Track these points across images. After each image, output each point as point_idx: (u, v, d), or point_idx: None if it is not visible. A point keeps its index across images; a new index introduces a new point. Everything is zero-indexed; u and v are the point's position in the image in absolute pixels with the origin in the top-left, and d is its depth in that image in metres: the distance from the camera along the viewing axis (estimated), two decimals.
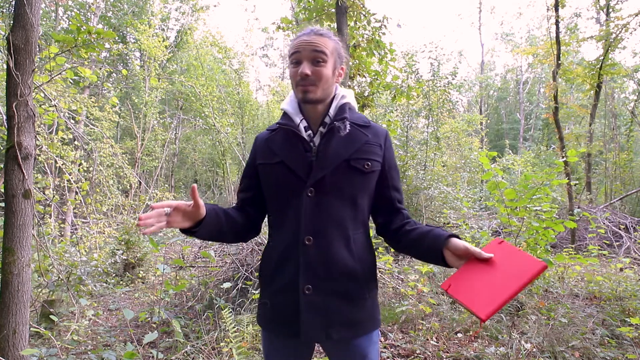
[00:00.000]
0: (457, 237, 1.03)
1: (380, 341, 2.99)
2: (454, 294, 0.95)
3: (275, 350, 1.15)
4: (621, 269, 4.36)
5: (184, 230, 1.05)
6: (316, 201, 1.07)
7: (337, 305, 1.07)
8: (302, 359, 1.17)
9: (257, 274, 1.20)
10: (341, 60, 1.15)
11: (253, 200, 1.20)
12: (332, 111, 1.13)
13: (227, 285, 3.11)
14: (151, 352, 2.80)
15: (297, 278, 1.06)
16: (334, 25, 4.25)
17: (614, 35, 8.36)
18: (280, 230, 1.12)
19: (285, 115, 1.16)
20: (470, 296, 0.92)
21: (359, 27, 4.29)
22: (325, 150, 1.08)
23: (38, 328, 2.60)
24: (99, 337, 3.21)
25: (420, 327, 3.08)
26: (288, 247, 1.08)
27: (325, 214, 1.07)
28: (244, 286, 3.62)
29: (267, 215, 1.22)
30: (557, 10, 7.45)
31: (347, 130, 1.10)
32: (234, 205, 1.25)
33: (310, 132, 1.12)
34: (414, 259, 4.74)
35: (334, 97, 1.15)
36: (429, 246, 1.05)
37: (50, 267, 3.61)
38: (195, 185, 0.99)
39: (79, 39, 2.36)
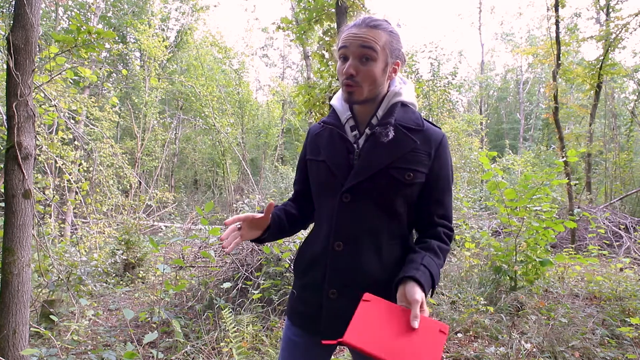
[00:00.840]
0: (417, 280, 0.92)
1: None
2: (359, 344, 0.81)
3: (293, 340, 1.15)
4: (621, 269, 4.36)
5: (252, 239, 1.10)
6: (351, 207, 1.02)
7: None
8: (322, 356, 1.17)
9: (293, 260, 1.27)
10: (396, 54, 1.03)
11: (305, 193, 1.20)
12: (380, 111, 1.05)
13: (227, 285, 3.11)
14: (151, 352, 2.80)
15: (323, 281, 1.06)
16: (334, 25, 4.25)
17: (614, 35, 8.36)
18: (317, 229, 1.13)
19: (333, 112, 1.12)
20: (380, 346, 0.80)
21: None
22: (367, 155, 1.02)
23: (38, 328, 2.60)
24: (99, 337, 3.21)
25: None
26: (318, 249, 1.09)
27: (358, 220, 1.03)
28: (244, 286, 3.62)
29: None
30: (557, 10, 7.45)
31: (390, 137, 1.00)
32: (290, 197, 1.28)
33: (356, 132, 1.06)
34: None
35: (385, 94, 1.07)
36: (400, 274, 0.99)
37: (50, 267, 3.61)
38: (272, 202, 1.04)
39: (79, 39, 2.36)
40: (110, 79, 14.90)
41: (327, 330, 1.04)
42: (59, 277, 3.58)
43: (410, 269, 0.94)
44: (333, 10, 4.18)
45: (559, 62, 7.61)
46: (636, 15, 8.09)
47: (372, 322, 0.85)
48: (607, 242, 6.35)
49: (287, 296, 1.19)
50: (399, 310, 0.88)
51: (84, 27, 2.34)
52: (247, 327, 2.88)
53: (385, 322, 0.85)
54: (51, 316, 3.06)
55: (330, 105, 1.15)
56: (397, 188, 1.01)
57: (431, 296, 1.12)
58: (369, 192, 1.01)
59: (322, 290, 1.06)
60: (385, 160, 1.00)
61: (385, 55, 1.00)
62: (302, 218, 1.22)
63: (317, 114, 4.12)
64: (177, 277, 4.35)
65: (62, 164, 4.88)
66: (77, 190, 4.93)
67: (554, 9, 7.49)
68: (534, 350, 2.62)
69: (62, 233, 6.63)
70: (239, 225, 1.03)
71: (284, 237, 1.22)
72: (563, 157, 4.42)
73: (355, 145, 1.05)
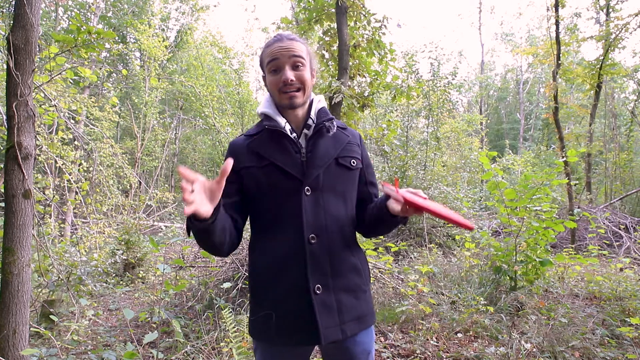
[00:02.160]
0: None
1: (380, 341, 2.99)
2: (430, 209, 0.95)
3: None
4: (621, 269, 4.36)
5: (199, 221, 0.91)
6: (314, 199, 1.07)
7: (347, 301, 1.08)
8: None
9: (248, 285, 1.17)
10: (314, 62, 1.17)
11: (236, 206, 1.11)
12: (313, 114, 1.15)
13: (227, 285, 3.11)
14: (151, 352, 2.80)
15: (306, 278, 1.04)
16: (334, 25, 4.25)
17: (614, 35, 8.35)
18: (276, 232, 1.09)
19: (267, 117, 1.14)
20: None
21: (359, 27, 4.28)
22: (316, 150, 1.11)
23: (38, 328, 2.59)
24: (99, 337, 3.21)
25: (420, 327, 3.08)
26: (290, 248, 1.06)
27: (323, 211, 1.08)
28: (244, 286, 3.62)
29: (251, 221, 1.17)
30: (557, 10, 7.45)
31: (334, 130, 1.15)
32: None
33: (294, 134, 1.13)
34: (384, 237, 4.72)
35: (312, 101, 1.18)
36: (378, 205, 1.11)
37: (50, 267, 3.61)
38: (229, 163, 0.91)
39: (79, 39, 2.36)
40: (110, 79, 14.90)
41: (325, 328, 1.03)
42: (59, 277, 3.58)
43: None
44: (333, 10, 4.17)
45: (559, 62, 7.61)
46: (636, 15, 8.09)
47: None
48: (607, 242, 6.35)
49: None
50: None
51: (84, 27, 2.34)
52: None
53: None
54: (51, 316, 3.06)
55: (263, 114, 1.15)
56: (347, 175, 1.14)
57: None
58: (326, 183, 1.09)
59: (307, 290, 1.03)
60: (333, 152, 1.13)
61: (309, 62, 1.13)
62: (234, 233, 1.10)
63: None
64: (177, 277, 4.35)
65: (62, 164, 4.88)
66: (77, 190, 4.93)
67: (554, 9, 7.49)
68: (534, 350, 2.62)
69: (62, 233, 6.63)
70: (192, 189, 0.85)
71: (217, 240, 1.00)
72: (563, 157, 4.42)
73: (299, 144, 1.12)
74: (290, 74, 1.07)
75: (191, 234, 0.98)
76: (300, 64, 1.09)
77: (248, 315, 1.16)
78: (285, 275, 1.06)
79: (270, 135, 1.12)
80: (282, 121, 1.12)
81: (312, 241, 1.05)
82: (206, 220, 0.91)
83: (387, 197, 1.06)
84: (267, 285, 1.09)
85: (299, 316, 1.04)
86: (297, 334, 1.05)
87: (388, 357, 2.72)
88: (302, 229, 1.05)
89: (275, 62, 1.09)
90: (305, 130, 1.15)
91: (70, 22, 12.80)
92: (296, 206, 1.06)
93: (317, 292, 1.04)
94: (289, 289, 1.06)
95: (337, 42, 4.08)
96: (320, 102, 1.20)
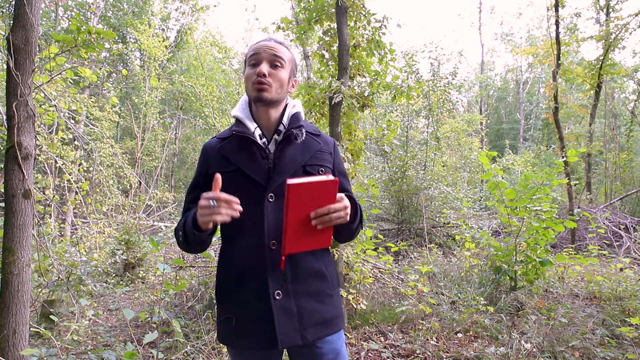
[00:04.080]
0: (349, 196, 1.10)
1: (380, 341, 2.99)
2: (294, 252, 1.00)
3: None
4: (621, 269, 4.36)
5: (201, 232, 1.01)
6: (277, 206, 1.07)
7: (308, 306, 1.07)
8: None
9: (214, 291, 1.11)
10: (295, 72, 1.19)
11: None
12: (285, 119, 1.16)
13: None
14: (151, 352, 2.80)
15: (265, 284, 1.04)
16: (334, 25, 4.25)
17: (614, 35, 8.35)
18: (239, 238, 1.10)
19: (238, 122, 1.14)
20: (305, 244, 1.00)
21: (359, 27, 4.28)
22: (283, 157, 1.11)
23: (38, 328, 2.59)
24: (99, 337, 3.21)
25: (420, 327, 3.08)
26: (252, 253, 1.07)
27: None
28: None
29: (221, 227, 1.17)
30: (557, 10, 7.45)
31: (304, 137, 1.14)
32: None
33: (264, 139, 1.13)
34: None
35: (286, 106, 1.18)
36: None
37: (50, 267, 3.61)
38: (218, 176, 0.96)
39: (79, 39, 2.36)
40: (110, 79, 14.90)
41: (283, 334, 1.03)
42: (59, 277, 3.58)
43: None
44: (333, 10, 4.17)
45: (559, 62, 7.61)
46: (636, 15, 8.09)
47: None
48: (607, 242, 6.35)
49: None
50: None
51: (84, 27, 2.34)
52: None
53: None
54: (51, 316, 3.06)
55: (235, 117, 1.16)
56: None
57: (360, 226, 1.17)
58: None
59: (267, 295, 1.04)
60: (300, 159, 1.12)
61: (290, 68, 1.15)
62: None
63: (317, 114, 4.11)
64: (177, 277, 4.35)
65: (62, 164, 4.88)
66: (77, 190, 4.93)
67: (554, 9, 7.49)
68: (534, 350, 2.62)
69: (62, 233, 6.63)
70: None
71: (204, 247, 1.12)
72: (563, 157, 4.42)
73: (267, 151, 1.12)
74: (265, 68, 1.08)
75: (181, 239, 1.06)
76: (279, 64, 1.11)
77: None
78: (246, 280, 1.07)
79: (239, 140, 1.12)
80: (252, 126, 1.12)
81: (273, 247, 1.05)
82: (206, 232, 1.01)
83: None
84: (229, 290, 1.10)
85: (258, 321, 1.05)
86: (255, 338, 1.06)
87: (388, 357, 2.72)
88: (263, 235, 1.05)
89: (255, 56, 1.10)
90: (275, 136, 1.14)
91: (70, 22, 12.80)
92: (258, 212, 1.06)
93: (277, 297, 1.04)
94: (249, 294, 1.07)
95: (337, 42, 4.07)
96: (295, 107, 1.19)
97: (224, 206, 0.93)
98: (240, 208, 0.94)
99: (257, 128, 1.13)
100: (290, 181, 0.87)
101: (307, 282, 1.09)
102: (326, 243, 1.02)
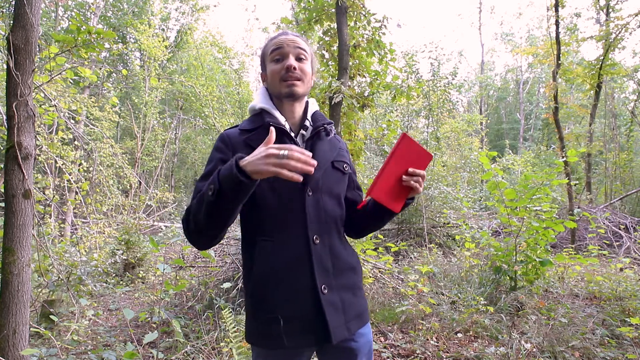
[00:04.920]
0: None
1: (380, 341, 2.99)
2: (376, 198, 1.03)
3: None
4: (621, 269, 4.36)
5: (249, 179, 0.86)
6: (315, 200, 1.07)
7: (348, 299, 1.09)
8: None
9: (244, 289, 1.13)
10: (315, 63, 1.18)
11: None
12: (309, 115, 1.16)
13: (227, 285, 3.11)
14: (151, 352, 2.80)
15: (313, 279, 1.03)
16: (334, 25, 4.25)
17: (614, 35, 8.35)
18: (279, 234, 1.05)
19: (264, 114, 1.10)
20: (387, 197, 1.04)
21: (359, 27, 4.28)
22: (316, 152, 1.10)
23: (38, 328, 2.59)
24: (99, 337, 3.21)
25: (420, 327, 3.08)
26: (296, 249, 1.04)
27: (323, 212, 1.09)
28: (244, 286, 3.62)
29: (246, 221, 1.11)
30: (557, 10, 7.45)
31: (333, 135, 1.18)
32: None
33: (293, 134, 1.11)
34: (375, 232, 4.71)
35: (307, 102, 1.18)
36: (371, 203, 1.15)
37: (50, 267, 3.61)
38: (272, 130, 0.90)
39: (79, 39, 2.36)
40: (110, 79, 14.90)
41: (334, 327, 1.02)
42: (59, 277, 3.58)
43: None
44: (333, 10, 4.17)
45: (559, 62, 7.61)
46: (636, 15, 8.09)
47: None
48: (607, 242, 6.35)
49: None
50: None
51: (84, 27, 2.34)
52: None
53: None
54: (51, 316, 3.06)
55: (261, 109, 1.11)
56: (341, 178, 1.16)
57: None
58: (324, 185, 1.10)
59: (316, 290, 1.02)
60: (330, 155, 1.14)
61: (311, 61, 1.14)
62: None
63: None
64: (177, 277, 4.35)
65: (62, 164, 4.88)
66: (77, 190, 4.93)
67: (554, 9, 7.49)
68: (534, 350, 2.62)
69: (62, 233, 6.63)
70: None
71: (234, 215, 0.95)
72: (563, 157, 4.42)
73: (299, 145, 1.11)
74: (293, 62, 1.07)
75: (216, 193, 0.87)
76: (303, 57, 1.10)
77: (246, 320, 1.12)
78: (292, 277, 1.03)
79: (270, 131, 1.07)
80: (282, 119, 1.10)
81: (317, 242, 1.05)
82: (254, 182, 0.87)
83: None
84: (271, 287, 1.04)
85: (308, 318, 1.03)
86: (307, 336, 1.03)
87: (388, 357, 2.72)
88: (306, 230, 1.05)
89: (279, 50, 1.08)
90: (302, 131, 1.14)
91: (70, 22, 12.80)
92: (300, 207, 1.05)
93: (324, 292, 1.04)
94: (296, 291, 1.03)
95: (337, 42, 4.08)
96: (314, 104, 1.20)
97: (297, 159, 0.83)
98: (311, 169, 0.85)
99: (286, 121, 1.11)
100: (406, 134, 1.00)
101: (344, 276, 1.10)
102: (397, 208, 1.06)
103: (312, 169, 0.85)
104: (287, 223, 1.05)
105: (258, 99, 1.14)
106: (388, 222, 1.21)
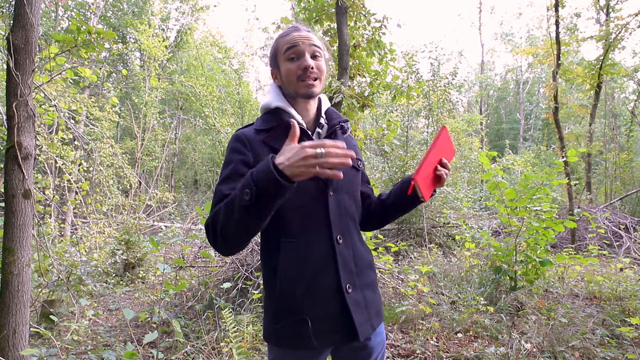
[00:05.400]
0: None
1: None
2: (418, 183, 1.09)
3: None
4: (621, 269, 4.36)
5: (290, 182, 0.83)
6: (336, 200, 1.08)
7: (369, 297, 1.11)
8: None
9: (265, 291, 1.08)
10: (328, 57, 1.15)
11: None
12: (323, 112, 1.14)
13: (227, 285, 3.11)
14: (151, 352, 2.80)
15: (338, 279, 1.04)
16: (334, 25, 4.25)
17: (614, 35, 8.35)
18: (303, 235, 1.03)
19: (280, 112, 1.07)
20: (424, 184, 1.11)
21: (359, 27, 4.28)
22: None
23: (38, 328, 2.59)
24: (99, 337, 3.21)
25: (420, 327, 3.08)
26: (321, 250, 1.04)
27: (344, 211, 1.09)
28: (244, 286, 3.62)
29: (269, 224, 1.02)
30: (557, 10, 7.45)
31: (349, 132, 1.18)
32: None
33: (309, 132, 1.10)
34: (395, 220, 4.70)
35: (319, 98, 1.16)
36: (400, 186, 1.19)
37: (50, 267, 3.61)
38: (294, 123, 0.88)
39: (79, 39, 2.36)
40: (110, 79, 14.90)
41: (360, 326, 1.04)
42: (59, 277, 3.58)
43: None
44: (333, 10, 4.17)
45: (559, 62, 7.61)
46: (636, 15, 8.09)
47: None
48: (607, 242, 6.35)
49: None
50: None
51: (84, 27, 2.34)
52: (247, 327, 2.88)
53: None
54: (51, 316, 3.06)
55: (277, 108, 1.09)
56: (356, 176, 1.17)
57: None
58: (344, 184, 1.10)
59: (341, 290, 1.03)
60: None
61: (325, 58, 1.11)
62: None
63: None
64: (177, 277, 4.35)
65: (62, 164, 4.88)
66: (77, 190, 4.93)
67: (554, 9, 7.49)
68: (534, 350, 2.62)
69: (62, 233, 6.63)
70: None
71: (266, 221, 0.91)
72: (563, 157, 4.42)
73: None
74: (310, 61, 1.04)
75: (254, 197, 0.82)
76: (318, 54, 1.07)
77: (265, 321, 1.09)
78: (318, 278, 1.03)
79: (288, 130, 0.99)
80: (298, 117, 1.08)
81: (340, 241, 1.06)
82: (293, 186, 0.83)
83: (403, 186, 1.19)
84: (299, 290, 1.02)
85: (334, 318, 1.03)
86: (334, 335, 1.04)
87: (388, 357, 2.72)
88: (330, 230, 1.05)
89: (294, 49, 1.04)
90: (318, 129, 1.11)
91: (70, 22, 12.80)
92: (323, 208, 1.05)
93: (349, 291, 1.05)
94: (323, 292, 1.03)
95: (337, 42, 4.07)
96: (327, 101, 1.18)
97: (335, 155, 0.80)
98: (350, 162, 0.83)
99: (302, 120, 1.08)
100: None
101: (365, 274, 1.11)
102: (427, 196, 1.13)
103: (350, 161, 0.82)
104: (311, 224, 1.04)
105: (272, 97, 1.11)
106: (410, 211, 1.26)
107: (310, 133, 1.08)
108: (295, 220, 1.04)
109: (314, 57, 1.06)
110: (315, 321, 1.01)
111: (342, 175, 0.83)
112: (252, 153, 1.03)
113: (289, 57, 1.05)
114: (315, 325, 1.01)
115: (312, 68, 1.04)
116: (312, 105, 1.12)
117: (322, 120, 1.12)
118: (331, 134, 1.12)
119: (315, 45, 1.06)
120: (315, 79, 1.05)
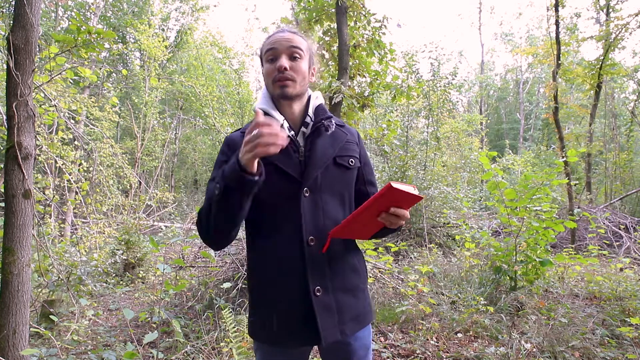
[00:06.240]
0: None
1: (380, 341, 2.99)
2: (336, 237, 1.03)
3: None
4: (621, 269, 4.36)
5: (251, 175, 0.89)
6: (313, 200, 1.06)
7: (346, 301, 1.08)
8: None
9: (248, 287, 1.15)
10: (314, 60, 1.16)
11: None
12: (310, 111, 1.13)
13: (227, 285, 3.11)
14: (151, 352, 2.80)
15: (305, 280, 1.03)
16: (334, 25, 4.25)
17: (614, 35, 8.35)
18: (276, 234, 1.07)
19: (265, 115, 1.09)
20: (352, 235, 1.07)
21: (359, 27, 4.28)
22: (314, 150, 1.08)
23: (38, 328, 2.59)
24: (99, 337, 3.21)
25: (420, 327, 3.08)
26: (290, 250, 1.05)
27: (322, 212, 1.07)
28: (244, 286, 3.62)
29: (247, 221, 1.13)
30: (557, 10, 7.45)
31: (333, 129, 1.13)
32: None
33: (292, 132, 1.10)
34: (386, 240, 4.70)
35: (309, 97, 1.16)
36: None
37: (50, 267, 3.61)
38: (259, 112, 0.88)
39: (79, 39, 2.36)
40: (110, 79, 14.90)
41: (325, 330, 1.02)
42: (59, 277, 3.58)
43: None
44: (333, 10, 4.17)
45: (559, 62, 7.61)
46: (636, 15, 8.09)
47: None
48: (607, 242, 6.35)
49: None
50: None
51: (84, 27, 2.34)
52: (247, 327, 2.88)
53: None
54: (51, 316, 3.06)
55: (261, 109, 1.10)
56: (345, 175, 1.12)
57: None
58: (325, 183, 1.08)
59: (307, 292, 1.03)
60: (331, 151, 1.10)
61: (308, 57, 1.11)
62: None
63: None
64: (177, 277, 4.35)
65: (62, 164, 4.88)
66: (77, 190, 4.93)
67: (554, 9, 7.49)
68: (534, 350, 2.62)
69: (62, 233, 6.63)
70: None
71: (243, 213, 0.98)
72: (563, 157, 4.42)
73: (297, 143, 1.09)
74: (285, 62, 1.05)
75: (222, 191, 0.91)
76: (297, 56, 1.07)
77: (247, 315, 1.15)
78: (285, 277, 1.05)
79: None
80: (280, 118, 1.09)
81: (311, 243, 1.04)
82: (254, 176, 0.90)
83: None
84: (267, 286, 1.07)
85: (299, 318, 1.04)
86: (297, 335, 1.05)
87: (388, 357, 2.72)
88: (301, 232, 1.04)
89: (272, 51, 1.07)
90: (303, 129, 1.12)
91: (70, 22, 12.79)
92: (295, 208, 1.04)
93: (317, 294, 1.03)
94: (289, 290, 1.05)
95: (337, 42, 4.08)
96: (317, 98, 1.17)
97: (268, 134, 0.84)
98: (286, 138, 0.86)
99: (285, 121, 1.10)
100: (394, 184, 0.89)
101: (344, 278, 1.09)
102: (366, 237, 1.08)
103: (284, 135, 0.85)
104: (282, 225, 1.06)
105: (259, 100, 1.15)
106: (388, 235, 1.20)
107: (294, 132, 1.10)
108: (268, 220, 1.08)
109: (292, 58, 1.07)
110: (280, 319, 1.05)
111: (285, 143, 0.85)
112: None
113: (268, 58, 1.08)
114: (280, 324, 1.04)
115: (286, 69, 1.04)
116: (296, 106, 1.12)
117: (309, 119, 1.12)
118: (314, 133, 1.11)
119: (294, 47, 1.07)
120: (290, 80, 1.06)
